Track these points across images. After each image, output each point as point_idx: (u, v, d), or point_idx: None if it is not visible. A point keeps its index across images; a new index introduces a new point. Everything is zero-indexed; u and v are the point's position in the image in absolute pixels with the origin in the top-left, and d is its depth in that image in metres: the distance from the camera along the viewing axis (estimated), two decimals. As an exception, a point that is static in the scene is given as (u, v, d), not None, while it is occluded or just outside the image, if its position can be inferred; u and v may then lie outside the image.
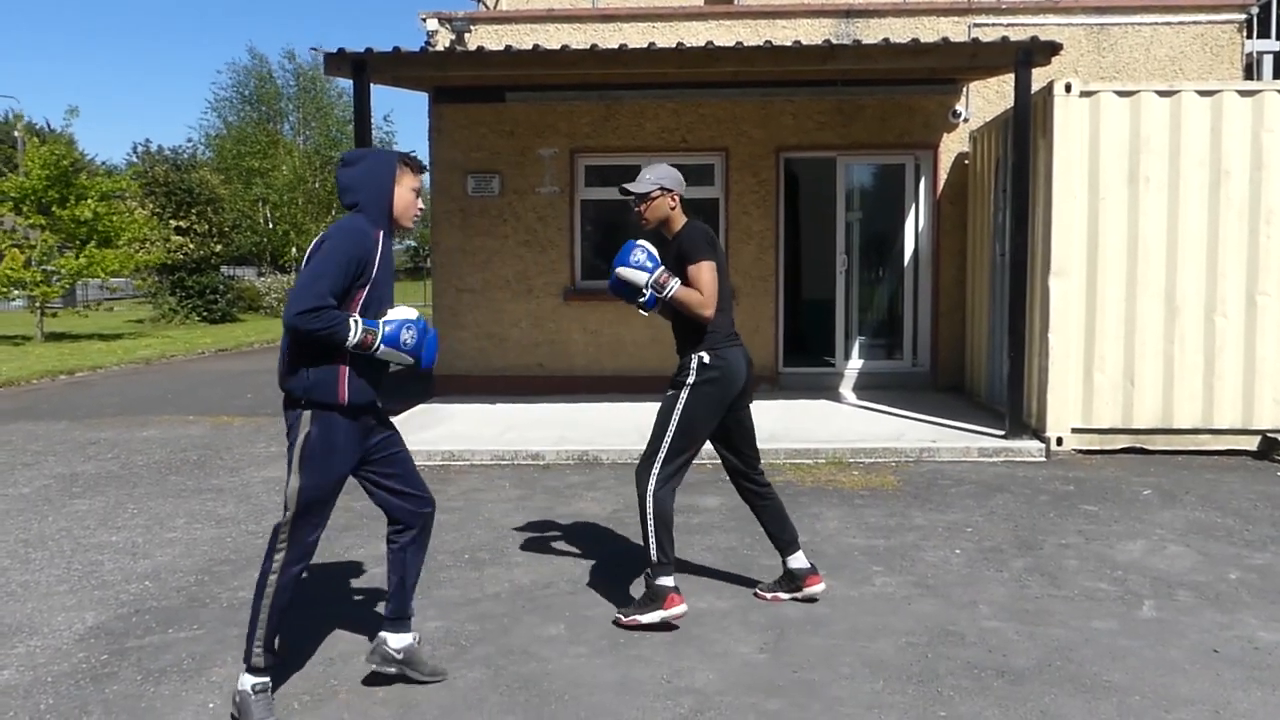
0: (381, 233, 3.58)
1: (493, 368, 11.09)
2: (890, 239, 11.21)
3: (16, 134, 38.93)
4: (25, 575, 5.22)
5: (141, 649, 4.21)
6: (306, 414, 3.50)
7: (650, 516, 4.34)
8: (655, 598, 4.29)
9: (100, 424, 10.09)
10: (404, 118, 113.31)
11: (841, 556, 5.36)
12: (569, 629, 4.37)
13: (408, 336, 3.57)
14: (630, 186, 4.57)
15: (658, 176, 4.55)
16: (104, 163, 45.38)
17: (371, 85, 8.73)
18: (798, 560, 4.63)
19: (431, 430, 8.85)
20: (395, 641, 3.78)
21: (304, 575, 3.62)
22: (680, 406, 4.42)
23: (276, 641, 3.54)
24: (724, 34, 10.52)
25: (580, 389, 10.76)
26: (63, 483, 7.45)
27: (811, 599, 4.63)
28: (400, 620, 3.80)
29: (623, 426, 8.82)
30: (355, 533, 5.97)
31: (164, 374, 15.09)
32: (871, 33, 10.44)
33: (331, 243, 3.47)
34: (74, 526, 6.20)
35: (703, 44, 8.88)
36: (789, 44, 8.68)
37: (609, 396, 10.44)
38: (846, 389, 11.03)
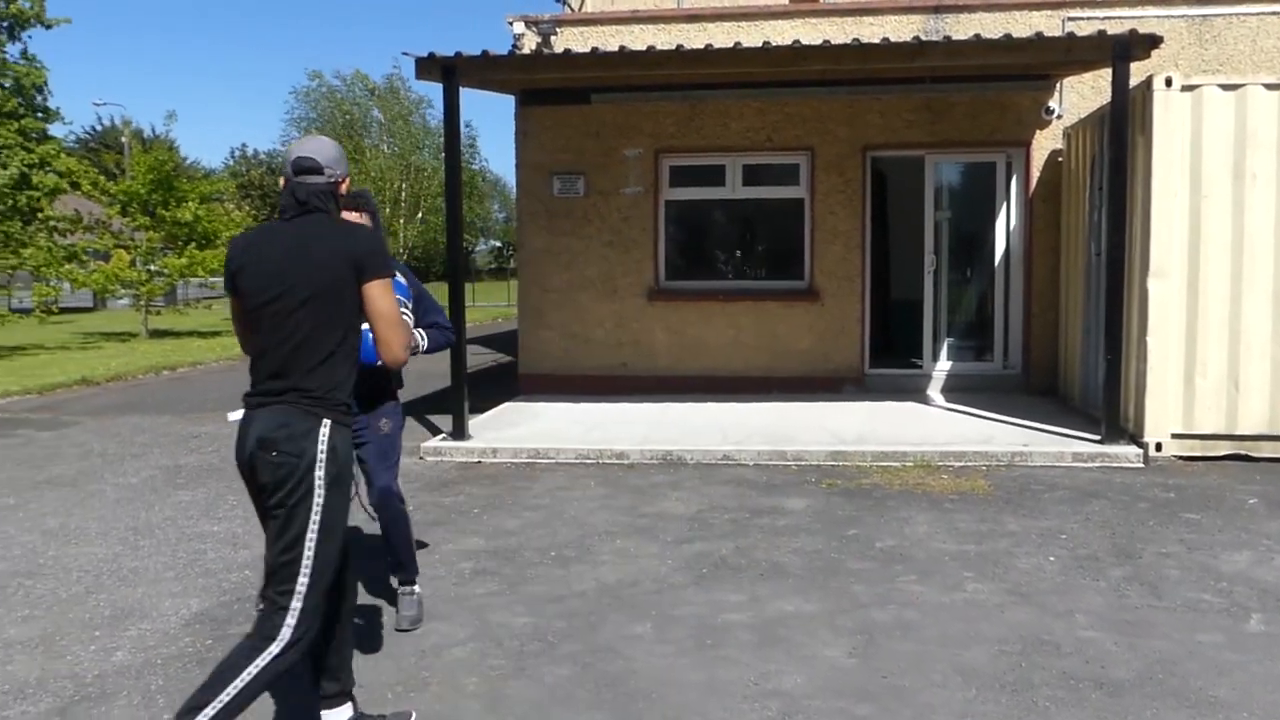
0: None
1: (577, 367, 11.17)
2: (980, 238, 11.00)
3: (124, 140, 40.49)
4: (135, 561, 5.43)
5: (242, 635, 4.34)
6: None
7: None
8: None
9: (200, 418, 10.43)
10: (482, 120, 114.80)
11: (931, 561, 5.28)
12: (655, 628, 4.38)
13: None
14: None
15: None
16: (203, 166, 46.91)
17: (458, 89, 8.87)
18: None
19: (518, 428, 8.96)
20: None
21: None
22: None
23: None
24: (810, 32, 10.44)
25: (663, 389, 10.78)
26: (167, 474, 7.73)
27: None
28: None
29: (706, 427, 8.82)
30: (445, 527, 6.08)
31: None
32: (961, 28, 10.26)
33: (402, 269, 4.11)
34: (179, 516, 6.43)
35: (789, 43, 8.82)
36: (877, 41, 8.58)
37: (692, 397, 10.44)
38: (934, 391, 10.85)
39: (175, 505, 6.73)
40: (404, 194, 39.35)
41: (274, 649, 2.82)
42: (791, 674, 3.89)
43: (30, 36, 36.13)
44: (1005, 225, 10.82)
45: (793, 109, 10.79)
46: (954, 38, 8.91)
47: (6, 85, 31.02)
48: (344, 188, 3.15)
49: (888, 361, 11.27)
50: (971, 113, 10.58)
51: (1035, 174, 10.58)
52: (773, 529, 5.90)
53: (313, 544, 2.88)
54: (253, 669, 2.79)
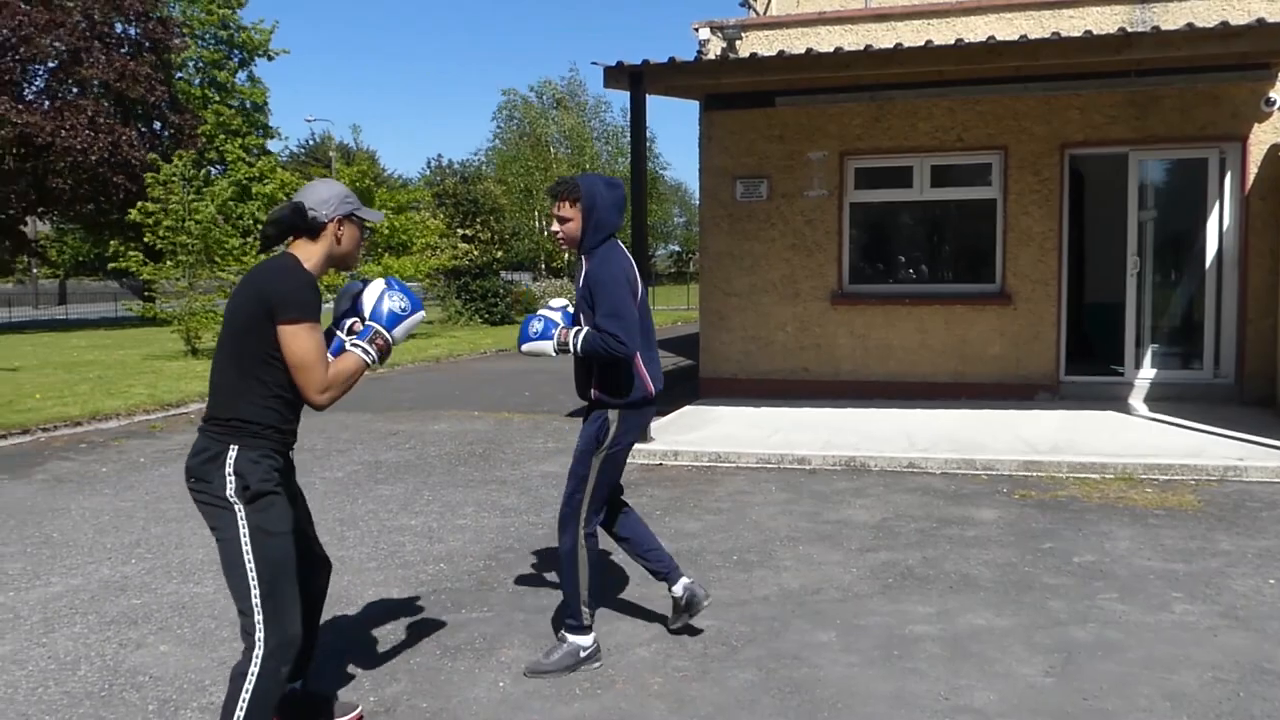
0: None
1: (758, 371, 11.15)
2: (1188, 239, 10.33)
3: (330, 154, 43.14)
4: (341, 551, 5.77)
5: (439, 626, 4.56)
6: (614, 412, 4.09)
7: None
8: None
9: (398, 416, 10.99)
10: (661, 124, 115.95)
11: (1135, 579, 5.00)
12: (840, 637, 4.33)
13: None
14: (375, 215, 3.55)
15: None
16: (400, 176, 49.41)
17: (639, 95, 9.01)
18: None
19: (699, 431, 9.02)
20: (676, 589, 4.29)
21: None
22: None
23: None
24: (1005, 28, 10.07)
25: (846, 394, 10.62)
26: (369, 469, 8.18)
27: None
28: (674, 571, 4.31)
29: (891, 433, 8.63)
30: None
31: (451, 371, 16.23)
32: (1171, 17, 9.66)
33: (621, 272, 4.02)
34: (379, 510, 6.79)
35: (983, 39, 8.54)
36: (1078, 34, 8.19)
37: (875, 402, 10.25)
38: (1136, 400, 10.26)
39: (376, 499, 7.12)
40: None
41: (259, 653, 2.99)
42: (984, 690, 3.76)
43: (256, 65, 39.20)
44: (1218, 225, 10.12)
45: (985, 107, 10.43)
46: (1163, 27, 8.41)
47: (234, 105, 33.53)
48: (338, 227, 3.19)
49: (1085, 368, 10.73)
50: (1181, 106, 9.95)
51: (1252, 170, 9.86)
52: (962, 540, 5.72)
53: (250, 559, 3.00)
54: (251, 678, 2.98)
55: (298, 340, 2.98)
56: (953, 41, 8.54)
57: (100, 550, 5.86)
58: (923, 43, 8.89)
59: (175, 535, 6.16)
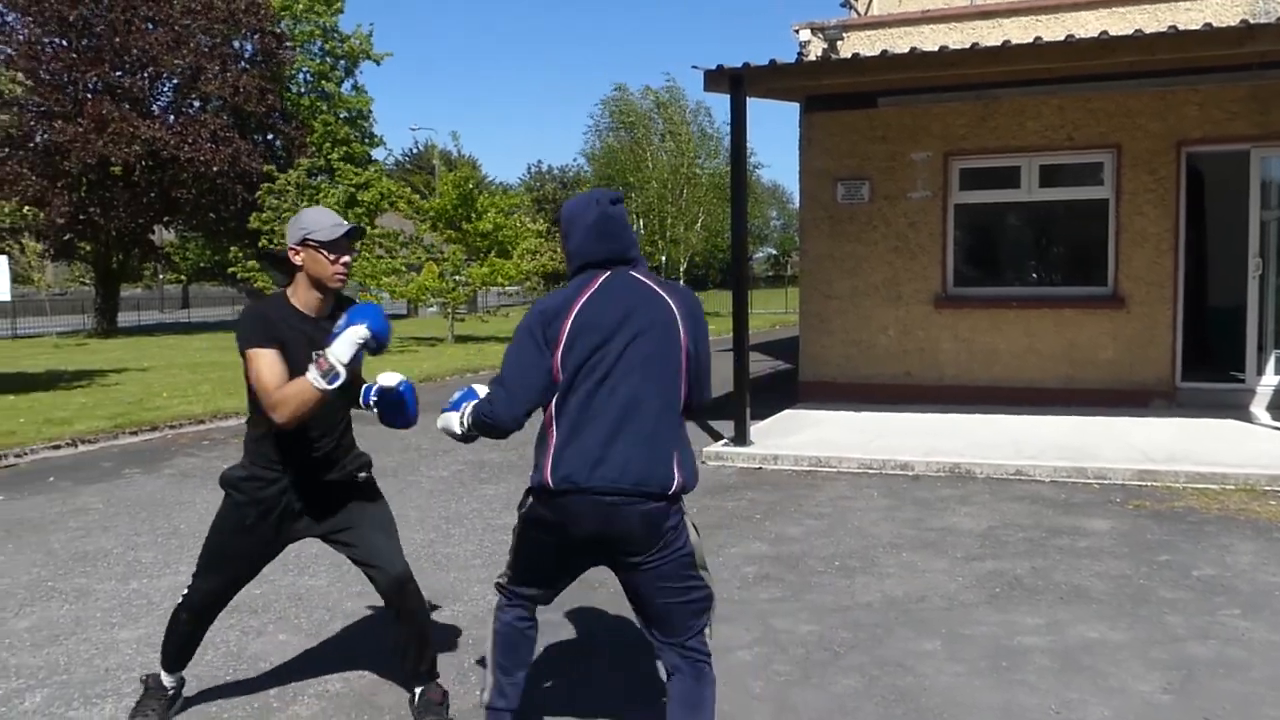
0: None
1: (859, 375, 11.02)
2: (1317, 239, 9.85)
3: (434, 162, 44.11)
4: (447, 548, 5.92)
5: (541, 625, 4.63)
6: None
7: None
8: None
9: (500, 418, 11.19)
10: (758, 126, 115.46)
11: (1259, 595, 4.80)
12: (945, 645, 4.26)
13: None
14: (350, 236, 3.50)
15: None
16: (501, 183, 50.28)
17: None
18: None
19: (798, 435, 8.96)
20: None
21: None
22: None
23: None
24: (1118, 22, 9.76)
25: (949, 399, 10.42)
26: (473, 469, 8.36)
27: None
28: None
29: (997, 439, 8.45)
30: (728, 531, 6.19)
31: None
32: (1299, 7, 9.24)
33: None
34: (483, 508, 6.94)
35: (1094, 34, 8.29)
36: (1197, 27, 7.90)
37: (980, 408, 10.03)
38: (1259, 408, 9.82)
39: (480, 498, 7.27)
40: (685, 200, 40.29)
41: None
42: (1097, 705, 3.67)
43: (361, 71, 40.31)
44: (1349, 224, 9.63)
45: (1096, 104, 10.13)
46: (1289, 18, 8.05)
47: (340, 115, 34.54)
48: (296, 254, 3.42)
49: (1203, 374, 10.32)
50: (1309, 100, 9.50)
51: (1389, 165, 9.36)
52: (1072, 550, 5.58)
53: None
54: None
55: (248, 366, 3.33)
56: (1062, 38, 8.32)
57: (221, 544, 6.12)
58: (1031, 39, 8.67)
59: (291, 531, 6.40)
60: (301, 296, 3.45)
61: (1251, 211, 9.88)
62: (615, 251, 3.03)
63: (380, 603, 3.75)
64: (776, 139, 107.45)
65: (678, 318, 2.95)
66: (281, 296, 3.51)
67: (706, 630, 3.03)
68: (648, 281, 3.02)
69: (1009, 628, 4.44)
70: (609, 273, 2.99)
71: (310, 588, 5.21)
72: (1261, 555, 5.43)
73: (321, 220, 3.43)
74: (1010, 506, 6.65)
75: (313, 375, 3.21)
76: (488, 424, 2.97)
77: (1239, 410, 9.71)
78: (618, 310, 2.92)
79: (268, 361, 3.30)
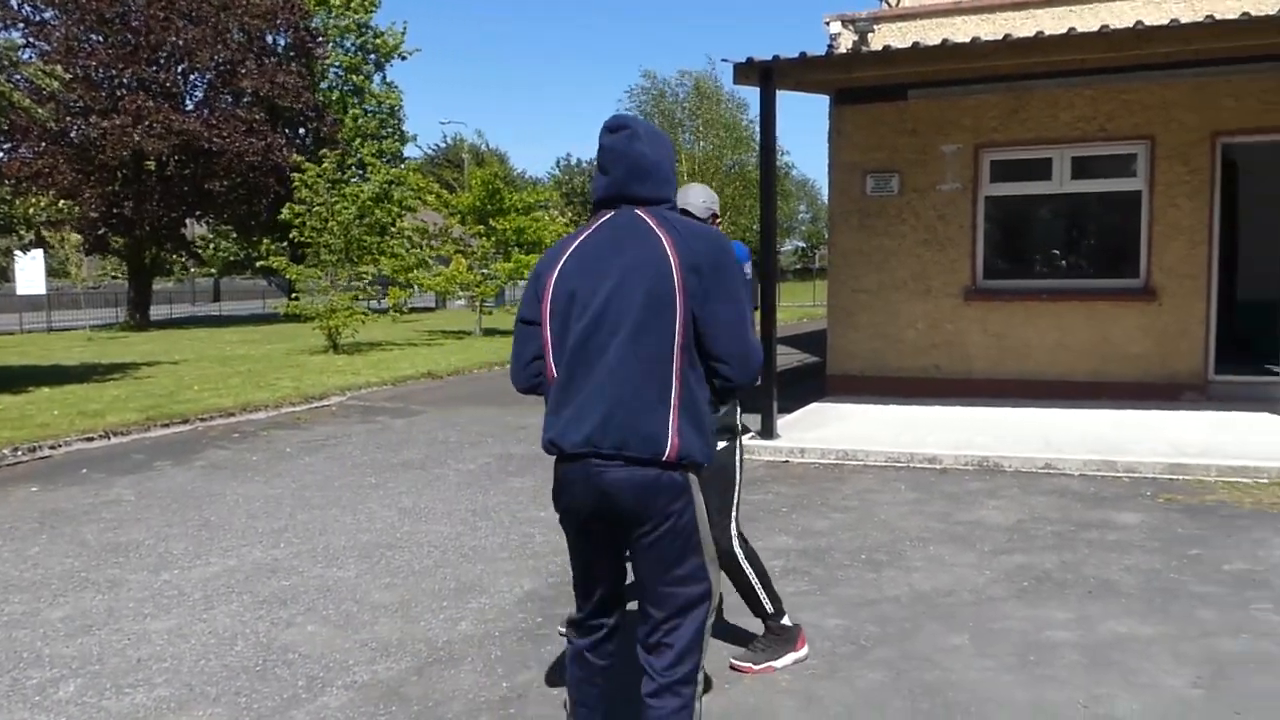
0: None
1: (886, 368, 10.97)
2: (1357, 231, 9.70)
3: (464, 156, 44.31)
4: (474, 541, 5.95)
5: (566, 615, 4.65)
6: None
7: (749, 576, 3.95)
8: (788, 639, 4.01)
9: (525, 411, 11.19)
10: (787, 119, 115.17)
11: (1292, 591, 4.74)
12: (973, 640, 4.24)
13: None
14: (696, 208, 3.81)
15: (714, 201, 3.97)
16: (531, 176, 50.39)
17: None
18: None
19: (825, 429, 8.93)
20: None
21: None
22: (739, 459, 3.87)
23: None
24: (1154, 13, 9.63)
25: (978, 392, 10.34)
26: (500, 461, 8.39)
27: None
28: None
29: (1027, 434, 8.38)
30: (754, 524, 6.18)
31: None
32: (1338, -6, 9.08)
33: (742, 271, 2.85)
34: (510, 501, 6.96)
35: (1129, 24, 8.19)
36: (1234, 17, 7.78)
37: (1009, 401, 9.95)
38: (1295, 402, 9.69)
39: (508, 491, 7.30)
40: (721, 192, 40.32)
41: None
42: (1126, 700, 3.63)
43: (392, 65, 40.65)
44: (1390, 215, 9.47)
45: (1130, 95, 10.01)
46: (1328, 6, 7.91)
47: (370, 110, 34.76)
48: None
49: (1237, 368, 10.18)
50: (1348, 89, 9.34)
51: None
52: (1102, 544, 5.52)
53: None
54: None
55: None
56: (1096, 28, 8.21)
57: (252, 534, 6.19)
58: (1065, 30, 8.57)
59: (319, 522, 6.45)
60: None
61: (1288, 203, 9.74)
62: (612, 187, 2.75)
63: (409, 594, 3.76)
64: (807, 130, 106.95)
65: (673, 263, 2.60)
66: None
67: (696, 656, 2.76)
68: (649, 221, 2.69)
69: (1037, 622, 4.41)
70: (612, 213, 2.75)
71: (339, 579, 5.26)
72: (1296, 551, 5.35)
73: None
74: (1039, 500, 6.60)
75: None
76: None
77: (1273, 403, 9.57)
78: (603, 257, 2.67)
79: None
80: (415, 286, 23.53)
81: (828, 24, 10.96)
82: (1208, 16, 8.22)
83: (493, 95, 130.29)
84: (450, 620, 4.63)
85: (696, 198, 3.89)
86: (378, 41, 38.90)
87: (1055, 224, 10.95)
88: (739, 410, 3.87)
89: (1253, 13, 8.07)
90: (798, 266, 72.36)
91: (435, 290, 24.92)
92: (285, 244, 20.17)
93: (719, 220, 4.01)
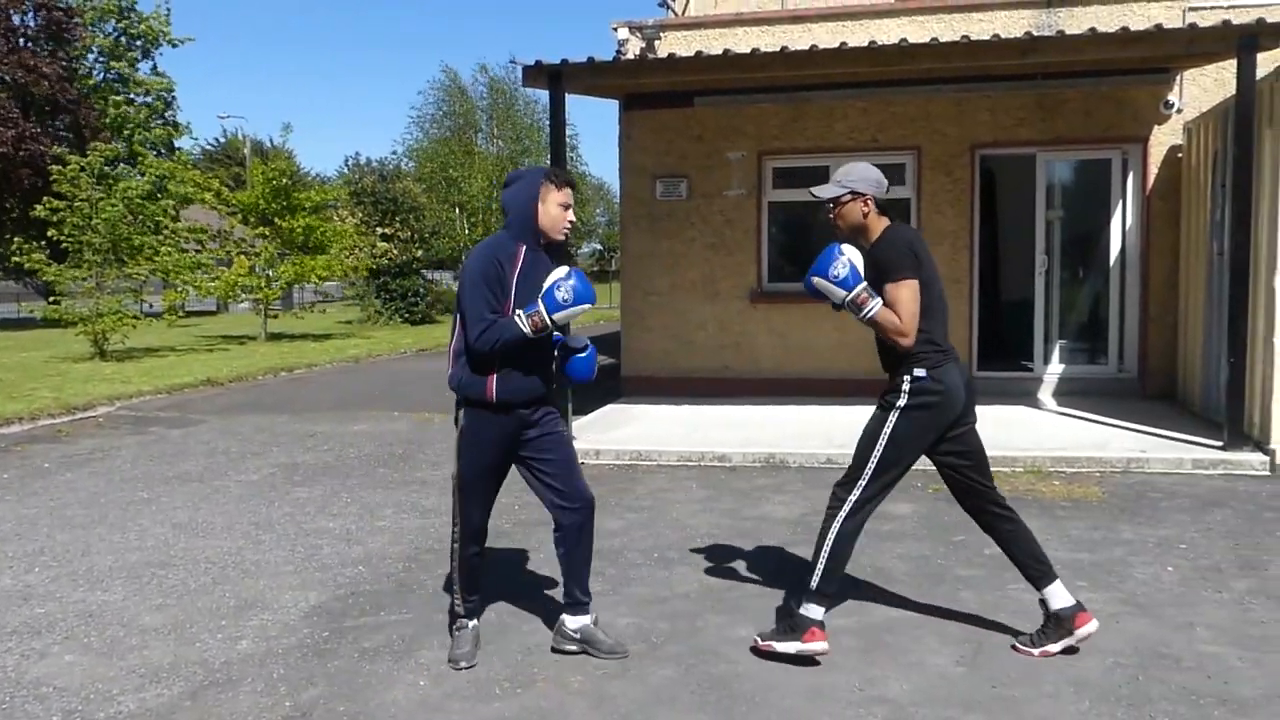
0: (524, 246, 3.94)
1: (679, 369, 11.22)
2: (1094, 238, 10.67)
3: (245, 152, 42.18)
4: (257, 555, 5.67)
5: (358, 629, 4.51)
6: (462, 410, 4.04)
7: (829, 542, 4.01)
8: (796, 628, 4.02)
9: (316, 418, 10.81)
10: (583, 123, 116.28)
11: (1042, 569, 5.15)
12: (759, 631, 4.37)
13: (563, 294, 3.83)
14: (817, 191, 4.28)
15: (848, 179, 4.19)
16: (317, 175, 48.52)
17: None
18: (1059, 597, 4.02)
19: (620, 430, 9.04)
20: (571, 623, 4.18)
21: (479, 557, 4.15)
22: (888, 430, 4.00)
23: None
24: (917, 31, 10.29)
25: (766, 391, 10.75)
26: (285, 471, 8.04)
27: (1073, 647, 4.04)
28: (574, 605, 4.17)
29: (810, 430, 8.76)
30: (549, 528, 6.16)
31: (371, 372, 16.01)
32: (1075, 22, 9.97)
33: (466, 270, 3.91)
34: (296, 512, 6.68)
35: (895, 41, 8.71)
36: (987, 38, 8.41)
37: (796, 399, 10.38)
38: (1045, 395, 10.57)
39: (293, 502, 7.00)
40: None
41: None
42: (897, 681, 3.85)
43: (161, 53, 38.10)
44: (1121, 224, 10.48)
45: (899, 108, 10.65)
46: (1068, 32, 8.67)
47: (137, 99, 32.50)
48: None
49: (996, 364, 11.02)
50: (1085, 109, 10.28)
51: (1153, 171, 10.23)
52: (878, 534, 5.83)
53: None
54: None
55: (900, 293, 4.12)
56: (866, 44, 8.70)
57: (1, 559, 5.66)
58: (837, 44, 9.03)
59: (81, 542, 5.98)
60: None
61: (1037, 212, 10.61)
62: None
63: (183, 614, 3.53)
64: (602, 133, 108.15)
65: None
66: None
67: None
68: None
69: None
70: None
71: (103, 603, 4.88)
72: (1045, 533, 5.81)
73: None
74: (821, 494, 6.78)
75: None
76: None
77: (1028, 397, 10.42)
78: None
79: (914, 291, 4.04)
80: (192, 289, 22.14)
81: (615, 30, 11.11)
82: (963, 37, 8.84)
83: (279, 93, 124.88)
84: (229, 640, 4.39)
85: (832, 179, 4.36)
86: (142, 27, 36.39)
87: (833, 230, 11.47)
88: (905, 379, 4.12)
89: (1002, 35, 8.74)
90: (595, 270, 72.95)
91: (212, 294, 23.57)
92: (44, 243, 18.49)
93: (841, 204, 4.31)
